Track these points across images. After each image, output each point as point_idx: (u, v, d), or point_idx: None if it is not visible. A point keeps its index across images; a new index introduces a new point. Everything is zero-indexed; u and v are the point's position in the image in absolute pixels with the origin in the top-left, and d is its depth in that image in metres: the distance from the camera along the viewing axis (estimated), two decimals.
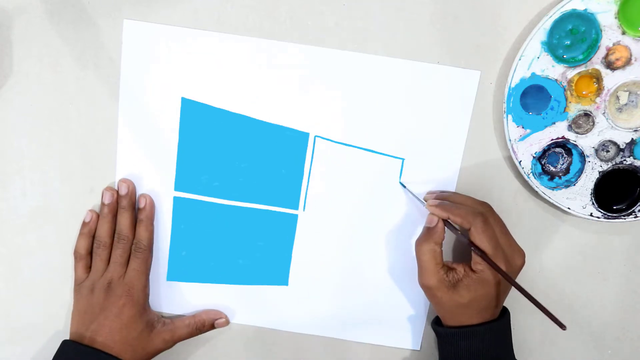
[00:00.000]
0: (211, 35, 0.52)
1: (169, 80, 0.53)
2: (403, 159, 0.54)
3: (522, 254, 0.50)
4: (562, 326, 0.44)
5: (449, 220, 0.49)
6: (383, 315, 0.57)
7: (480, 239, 0.47)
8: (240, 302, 0.57)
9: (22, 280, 0.57)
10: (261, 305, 0.57)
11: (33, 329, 0.58)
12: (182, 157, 0.54)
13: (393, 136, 0.53)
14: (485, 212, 0.49)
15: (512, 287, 0.48)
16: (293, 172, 0.54)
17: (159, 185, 0.55)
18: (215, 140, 0.54)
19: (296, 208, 0.55)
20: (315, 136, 0.54)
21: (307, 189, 0.55)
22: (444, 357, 0.51)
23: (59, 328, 0.57)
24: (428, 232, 0.50)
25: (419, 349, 0.58)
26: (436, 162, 0.54)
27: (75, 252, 0.55)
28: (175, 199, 0.55)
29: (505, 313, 0.51)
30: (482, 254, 0.47)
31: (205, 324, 0.56)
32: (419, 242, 0.50)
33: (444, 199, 0.51)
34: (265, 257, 0.56)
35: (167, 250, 0.56)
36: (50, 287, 0.57)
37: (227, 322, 0.57)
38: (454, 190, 0.54)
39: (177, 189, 0.55)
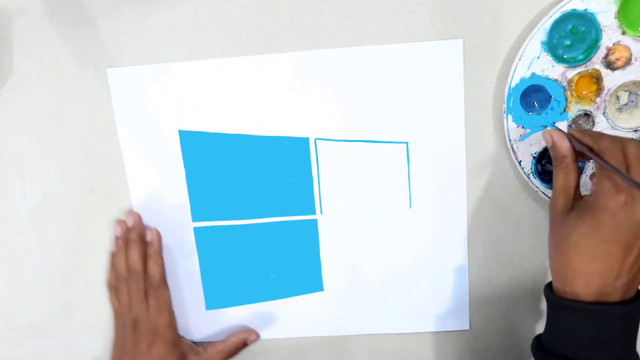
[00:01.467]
0: (193, 64, 0.52)
1: (163, 116, 0.53)
2: (407, 142, 0.53)
3: None
4: None
5: (582, 143, 0.43)
6: (425, 302, 0.56)
7: (634, 153, 0.39)
8: (282, 315, 0.57)
9: (22, 280, 0.57)
10: (303, 314, 0.57)
11: (33, 329, 0.58)
12: (193, 187, 0.54)
13: (392, 122, 0.53)
14: (623, 139, 0.42)
15: None
16: (302, 178, 0.54)
17: (177, 219, 0.55)
18: (220, 165, 0.54)
19: (313, 213, 0.55)
20: (315, 139, 0.54)
21: (319, 192, 0.55)
22: (550, 332, 0.44)
23: (59, 328, 0.58)
24: (554, 157, 0.46)
25: (468, 328, 0.57)
26: (440, 138, 0.53)
27: (108, 283, 0.55)
28: (196, 229, 0.55)
29: None
30: (622, 174, 0.37)
31: (237, 345, 0.56)
32: (554, 167, 0.46)
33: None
34: (296, 267, 0.56)
35: (199, 281, 0.56)
36: (50, 287, 0.57)
37: (258, 337, 0.57)
38: (464, 164, 0.53)
39: (195, 219, 0.55)
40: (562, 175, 0.45)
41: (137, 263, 0.53)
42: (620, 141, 0.41)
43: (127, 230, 0.54)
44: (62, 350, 0.58)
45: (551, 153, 0.47)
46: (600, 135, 0.43)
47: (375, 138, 0.53)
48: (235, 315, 0.57)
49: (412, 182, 0.54)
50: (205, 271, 0.56)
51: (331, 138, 0.53)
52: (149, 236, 0.54)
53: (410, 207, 0.54)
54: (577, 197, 0.44)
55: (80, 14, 0.52)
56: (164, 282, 0.54)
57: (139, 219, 0.54)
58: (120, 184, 0.55)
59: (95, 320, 0.57)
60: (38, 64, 0.53)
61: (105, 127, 0.54)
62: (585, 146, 0.43)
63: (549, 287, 0.45)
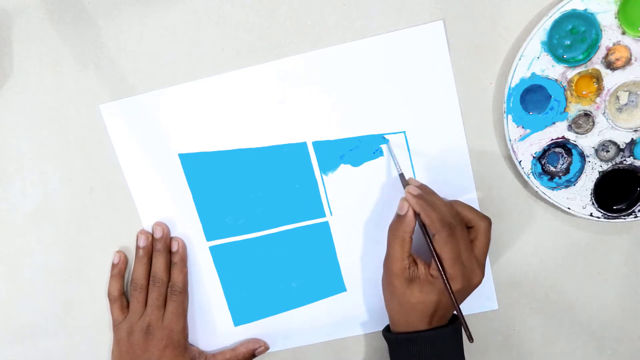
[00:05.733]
0: (180, 87, 0.53)
1: (161, 143, 0.54)
2: (404, 132, 0.53)
3: (481, 274, 0.49)
4: (470, 338, 0.47)
5: (420, 215, 0.49)
6: None
7: (441, 248, 0.47)
8: (310, 321, 0.57)
9: (22, 280, 0.57)
10: (329, 317, 0.57)
11: (33, 329, 0.58)
12: (201, 207, 0.55)
13: (387, 113, 0.53)
14: (454, 224, 0.48)
15: (471, 292, 0.50)
16: (306, 183, 0.54)
17: (191, 241, 0.56)
18: (225, 182, 0.54)
19: (324, 215, 0.55)
20: (313, 142, 0.54)
21: (326, 193, 0.55)
22: None
23: (59, 328, 0.58)
24: (399, 219, 0.50)
25: (497, 308, 0.57)
26: (437, 122, 0.53)
27: (109, 295, 0.55)
28: (211, 248, 0.56)
29: (456, 320, 0.51)
30: (438, 264, 0.48)
31: (245, 356, 0.56)
32: (390, 228, 0.51)
33: (424, 193, 0.51)
34: (315, 271, 0.56)
35: (223, 299, 0.56)
36: (50, 287, 0.57)
37: (267, 349, 0.57)
38: (465, 140, 0.53)
39: (209, 239, 0.56)
40: (399, 245, 0.49)
41: (162, 271, 0.54)
42: (450, 229, 0.48)
43: (151, 242, 0.55)
44: (62, 350, 0.58)
45: (396, 220, 0.50)
46: (440, 219, 0.48)
47: (371, 132, 0.53)
48: (264, 327, 0.57)
49: (417, 170, 0.54)
50: (227, 288, 0.56)
51: (328, 139, 0.53)
52: (175, 246, 0.55)
53: None
54: (411, 260, 0.50)
55: (80, 14, 0.52)
56: (185, 290, 0.55)
57: (167, 230, 0.55)
58: (120, 184, 0.55)
59: (95, 320, 0.57)
60: (38, 64, 0.53)
61: (105, 127, 0.54)
62: (426, 233, 0.49)
63: (387, 330, 0.53)
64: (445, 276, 0.47)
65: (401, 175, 0.52)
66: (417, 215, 0.49)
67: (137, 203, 0.55)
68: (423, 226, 0.49)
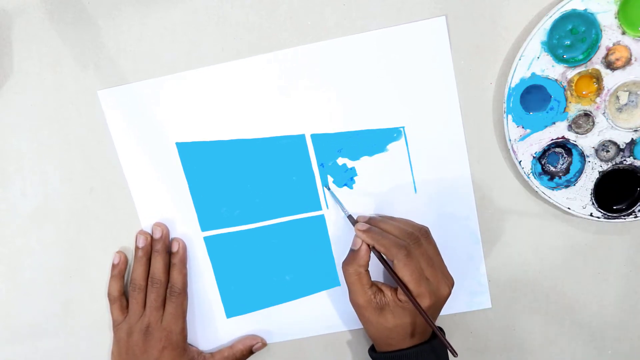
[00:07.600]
0: (180, 76, 0.53)
1: (158, 131, 0.54)
2: (403, 127, 0.53)
3: (449, 284, 0.50)
4: (454, 353, 0.47)
5: (374, 247, 0.49)
6: None
7: (402, 272, 0.47)
8: (303, 314, 0.57)
9: (22, 280, 0.57)
10: (324, 311, 0.57)
11: (33, 329, 0.58)
12: (197, 197, 0.55)
13: (386, 108, 0.53)
14: (410, 244, 0.48)
15: (449, 297, 0.50)
16: (303, 175, 0.54)
17: (186, 231, 0.55)
18: (221, 172, 0.54)
19: (320, 209, 0.55)
20: (311, 134, 0.54)
21: (323, 187, 0.55)
22: None
23: (59, 328, 0.58)
24: (352, 254, 0.50)
25: (490, 306, 0.57)
26: (436, 120, 0.53)
27: (109, 295, 0.55)
28: (206, 238, 0.56)
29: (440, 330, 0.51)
30: (404, 288, 0.47)
31: (243, 353, 0.56)
32: (344, 264, 0.51)
33: (374, 224, 0.51)
34: (309, 264, 0.56)
35: (216, 290, 0.56)
36: (50, 287, 0.57)
37: (264, 345, 0.57)
38: (462, 130, 0.53)
39: (203, 229, 0.55)
40: (357, 279, 0.50)
41: (161, 272, 0.54)
42: (406, 251, 0.48)
43: (150, 242, 0.55)
44: (62, 350, 0.58)
45: (350, 256, 0.51)
46: (394, 244, 0.48)
47: (370, 126, 0.53)
48: (255, 321, 0.57)
49: (414, 166, 0.54)
50: (220, 279, 0.56)
51: (327, 132, 0.53)
52: (175, 246, 0.55)
53: (415, 191, 0.54)
54: (374, 290, 0.50)
55: (80, 14, 0.52)
56: (184, 291, 0.55)
57: (167, 230, 0.55)
58: (120, 184, 0.55)
59: (95, 320, 0.57)
60: (38, 64, 0.53)
61: (105, 127, 0.54)
62: (384, 262, 0.49)
63: (372, 350, 0.53)
64: (414, 298, 0.47)
65: (349, 217, 0.53)
66: (372, 247, 0.50)
67: (133, 194, 0.55)
68: (380, 256, 0.49)
